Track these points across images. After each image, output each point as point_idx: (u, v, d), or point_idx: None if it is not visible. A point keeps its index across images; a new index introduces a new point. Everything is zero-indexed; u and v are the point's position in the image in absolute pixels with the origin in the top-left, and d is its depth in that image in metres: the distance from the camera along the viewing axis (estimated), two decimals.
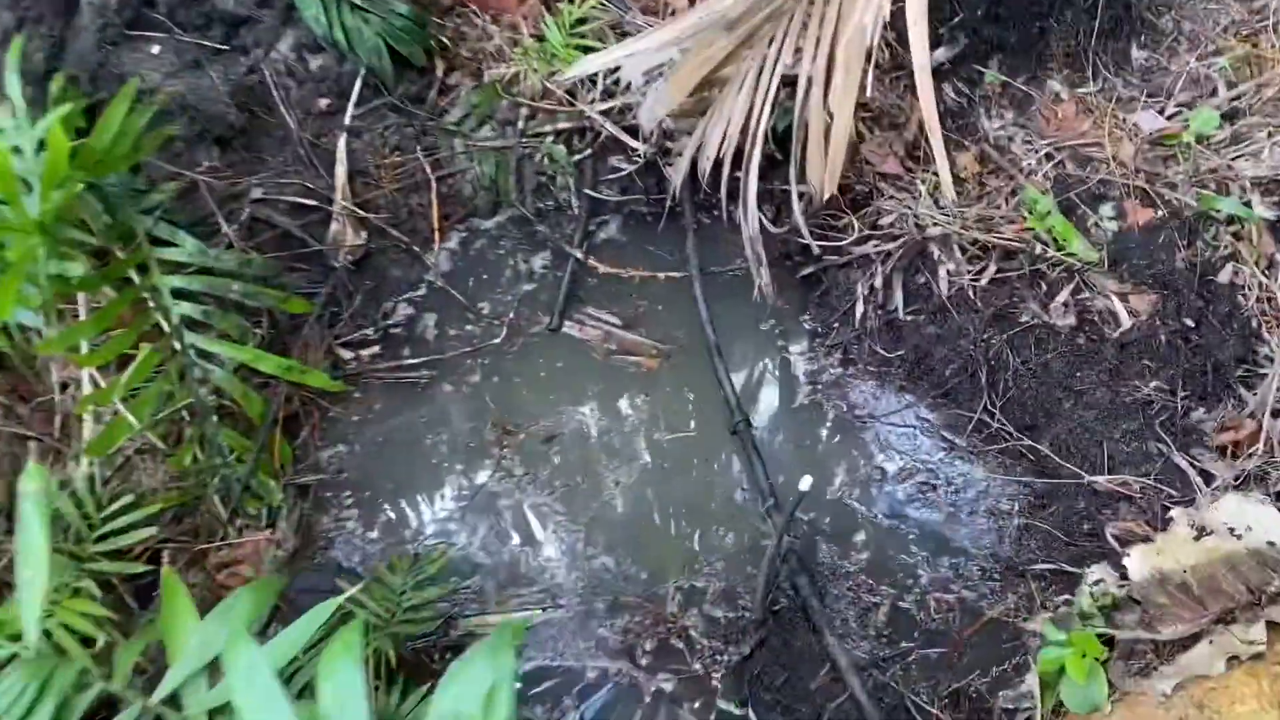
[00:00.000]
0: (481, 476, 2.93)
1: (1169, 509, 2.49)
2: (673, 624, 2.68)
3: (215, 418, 2.81)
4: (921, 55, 2.45)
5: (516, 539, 2.84)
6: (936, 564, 2.72)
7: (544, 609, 2.72)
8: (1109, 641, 2.35)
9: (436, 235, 3.26)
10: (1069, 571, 2.57)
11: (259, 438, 2.83)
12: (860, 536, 2.78)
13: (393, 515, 2.88)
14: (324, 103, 3.24)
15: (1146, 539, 2.48)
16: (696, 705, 2.58)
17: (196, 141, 3.11)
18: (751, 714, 2.55)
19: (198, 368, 2.79)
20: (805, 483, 2.01)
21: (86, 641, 2.39)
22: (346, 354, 3.11)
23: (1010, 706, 2.43)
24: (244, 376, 2.88)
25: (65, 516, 2.52)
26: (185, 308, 2.81)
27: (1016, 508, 2.76)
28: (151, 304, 2.78)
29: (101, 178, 2.64)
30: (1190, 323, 2.73)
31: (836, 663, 2.54)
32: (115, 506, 2.59)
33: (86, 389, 2.79)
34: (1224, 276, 2.79)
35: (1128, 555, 2.42)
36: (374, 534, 2.85)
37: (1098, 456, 2.68)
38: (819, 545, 2.76)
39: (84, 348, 2.75)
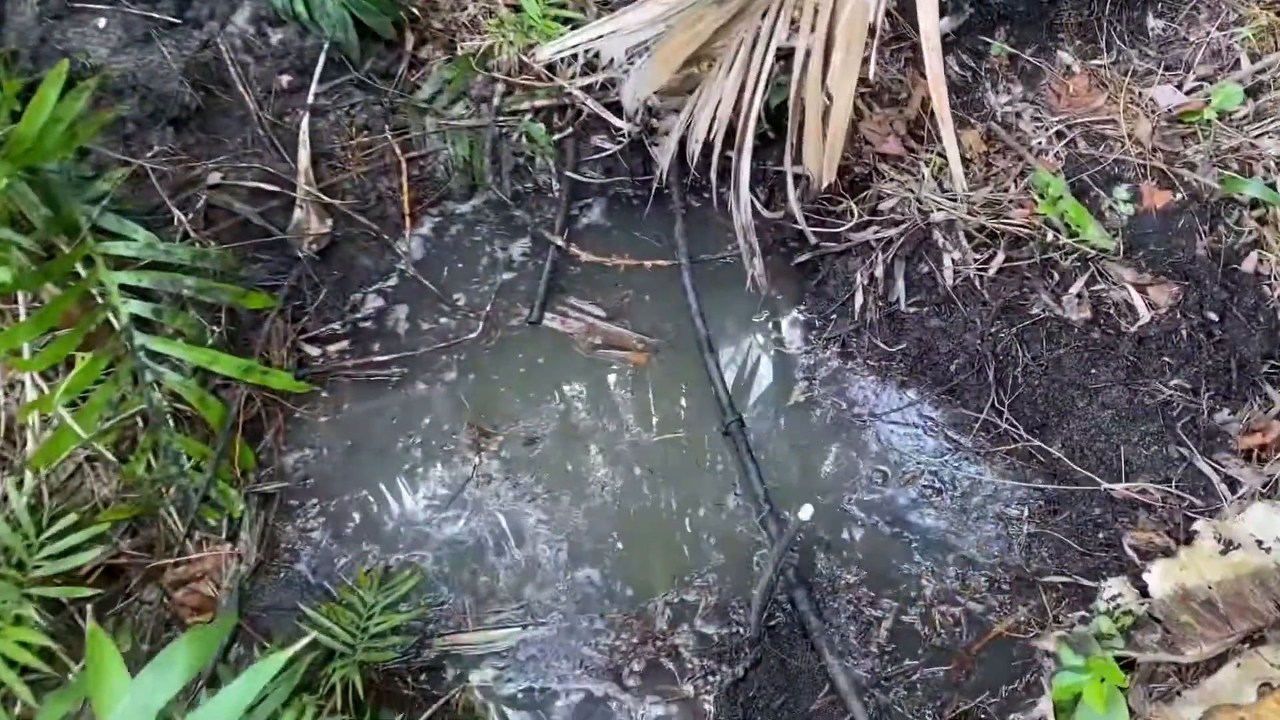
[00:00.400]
0: (457, 483, 2.75)
1: (1192, 519, 2.33)
2: (662, 642, 2.52)
3: (170, 423, 2.62)
4: (932, 33, 2.24)
5: (495, 550, 2.66)
6: (942, 574, 2.56)
7: (524, 626, 2.55)
8: (1129, 664, 2.20)
9: (407, 221, 3.06)
10: (1083, 585, 2.41)
11: (218, 444, 2.64)
12: (860, 545, 2.61)
13: (362, 525, 2.70)
14: (285, 80, 3.02)
15: (1168, 551, 2.32)
16: None
17: (147, 123, 2.89)
18: None
19: (150, 370, 2.60)
20: (806, 512, 1.84)
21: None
22: (313, 350, 2.91)
23: None
24: (202, 378, 2.69)
25: (1, 538, 2.34)
26: (135, 306, 2.61)
27: (1026, 513, 2.59)
28: (99, 302, 2.59)
29: (36, 167, 2.43)
30: (1213, 316, 2.55)
31: (836, 683, 2.38)
32: (59, 526, 2.40)
33: (31, 395, 2.60)
34: (1248, 265, 2.61)
35: (1148, 570, 2.27)
36: (342, 545, 2.67)
37: (1114, 460, 2.51)
38: (816, 555, 2.59)
39: (25, 351, 2.56)
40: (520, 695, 2.48)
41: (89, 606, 2.32)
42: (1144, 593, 2.27)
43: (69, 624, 2.50)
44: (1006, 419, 2.65)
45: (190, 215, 2.84)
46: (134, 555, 2.57)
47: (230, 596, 2.53)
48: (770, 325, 2.96)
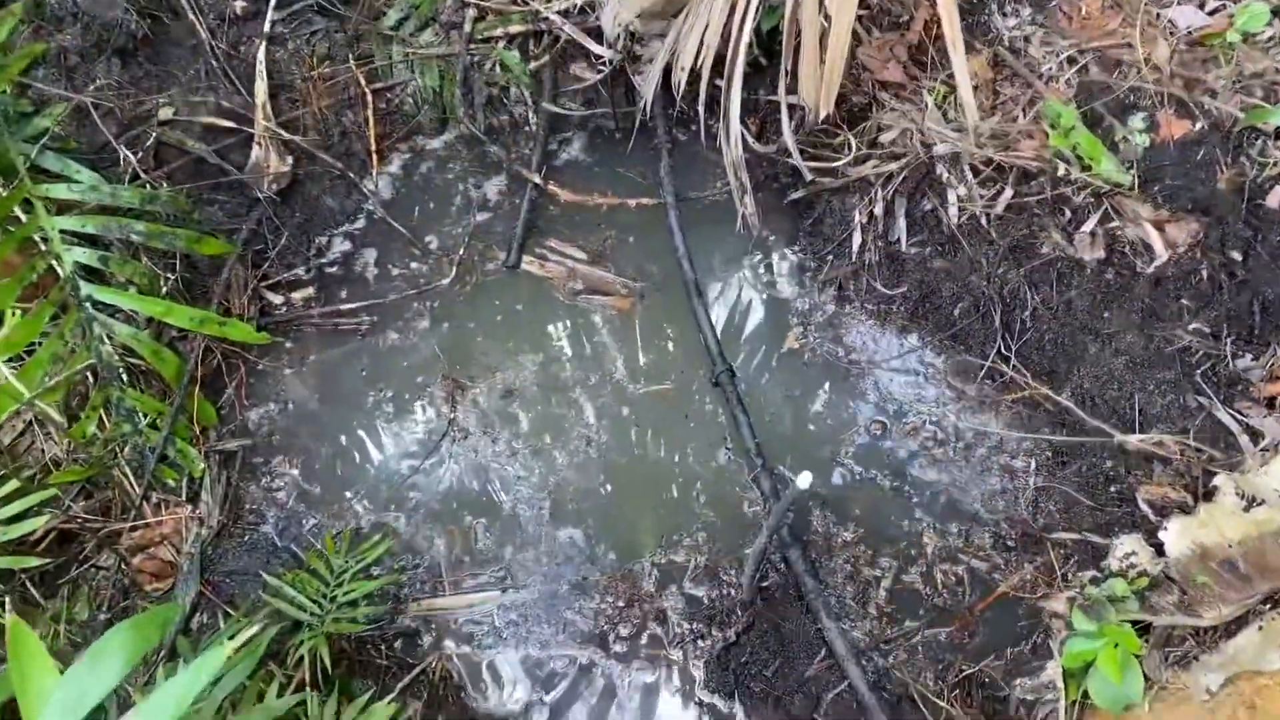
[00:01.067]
0: (432, 438, 2.59)
1: (1212, 473, 2.19)
2: (649, 605, 2.39)
3: (123, 379, 2.45)
4: None
5: (472, 510, 2.52)
6: (944, 531, 2.42)
7: (504, 590, 2.42)
8: (1144, 628, 2.07)
9: (374, 159, 2.86)
10: (1094, 542, 2.28)
11: (175, 400, 2.48)
12: (858, 501, 2.47)
13: (331, 485, 2.55)
14: (240, 6, 2.81)
15: (1185, 507, 2.19)
16: (676, 697, 2.30)
17: (91, 54, 2.68)
18: (738, 706, 2.27)
19: (98, 322, 2.42)
20: (804, 480, 1.69)
21: None
22: (275, 299, 2.74)
23: (1029, 698, 2.16)
24: (156, 330, 2.52)
25: None
26: (80, 253, 2.43)
27: (1033, 466, 2.45)
28: (40, 249, 2.40)
29: None
30: (1235, 255, 2.39)
31: (833, 647, 2.26)
32: (4, 490, 2.24)
33: None
34: (1273, 200, 2.43)
35: (1164, 528, 2.13)
36: (310, 507, 2.52)
37: (1127, 410, 2.36)
38: (812, 512, 2.45)
39: None
40: (500, 662, 2.36)
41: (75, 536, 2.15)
42: (1159, 551, 2.14)
43: (21, 594, 2.36)
44: (1013, 365, 2.49)
45: (139, 154, 2.65)
46: (88, 519, 2.42)
47: (191, 562, 2.39)
48: (762, 268, 2.79)
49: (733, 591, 2.37)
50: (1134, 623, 2.06)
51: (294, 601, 2.16)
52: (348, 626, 2.14)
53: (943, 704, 2.19)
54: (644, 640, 2.35)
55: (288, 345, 2.70)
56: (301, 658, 2.13)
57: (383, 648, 2.34)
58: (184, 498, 2.47)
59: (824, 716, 2.23)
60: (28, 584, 2.35)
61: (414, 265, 2.79)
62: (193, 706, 1.91)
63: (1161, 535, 2.13)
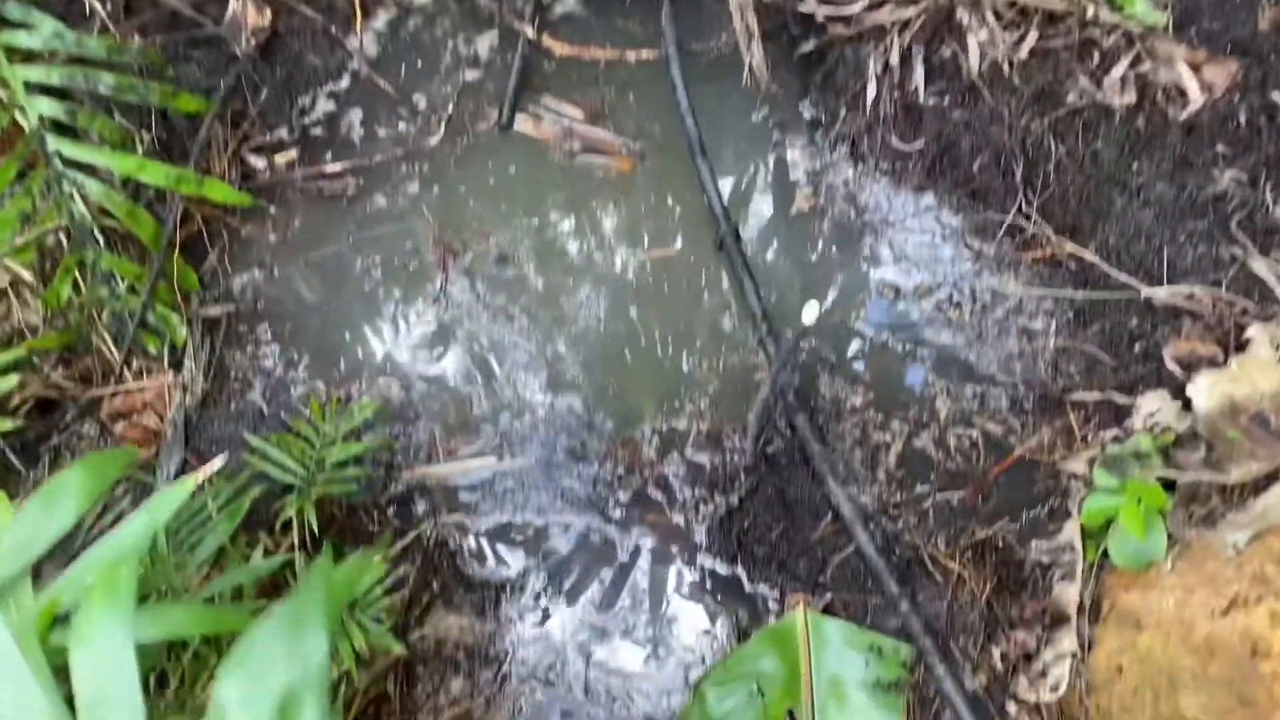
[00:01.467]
0: (423, 304, 2.48)
1: (1244, 326, 2.06)
2: (650, 472, 2.30)
3: (99, 241, 2.34)
4: None
5: (466, 378, 2.42)
6: (958, 395, 2.31)
7: (500, 457, 2.33)
8: (1168, 487, 1.97)
9: (358, 12, 2.69)
10: (1116, 402, 2.16)
11: (154, 264, 2.36)
12: (869, 365, 2.36)
13: (320, 352, 2.45)
14: None
15: (1214, 361, 2.07)
16: (678, 563, 2.23)
17: None
18: (741, 570, 2.20)
19: (67, 179, 2.30)
20: (809, 312, 1.59)
21: None
22: (258, 161, 2.60)
23: (1045, 560, 2.08)
24: (134, 191, 2.40)
25: None
26: (45, 104, 2.29)
27: (1054, 327, 2.33)
28: (2, 100, 2.27)
29: None
30: (1276, 97, 2.22)
31: (839, 511, 2.17)
32: None
33: None
34: None
35: (1192, 382, 2.02)
36: (298, 374, 2.43)
37: (1156, 264, 2.23)
38: (820, 377, 2.35)
39: None
40: (497, 529, 2.28)
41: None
42: (1186, 406, 2.03)
43: (3, 463, 2.28)
44: (1035, 221, 2.35)
45: (109, 6, 2.49)
46: (67, 387, 2.33)
47: (175, 429, 2.30)
48: (770, 124, 2.63)
49: (736, 457, 2.28)
50: (1158, 480, 1.96)
51: (279, 463, 2.08)
52: (336, 488, 2.06)
53: (954, 565, 2.11)
54: (644, 506, 2.27)
55: (272, 210, 2.58)
56: (289, 522, 2.06)
57: (375, 514, 2.27)
58: (166, 365, 2.38)
59: (829, 580, 2.16)
60: (8, 453, 2.28)
61: (402, 126, 2.65)
62: (173, 564, 1.85)
63: (1189, 390, 2.02)
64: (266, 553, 2.03)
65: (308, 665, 0.93)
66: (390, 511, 2.30)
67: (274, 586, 2.04)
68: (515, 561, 2.25)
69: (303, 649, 0.94)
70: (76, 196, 2.30)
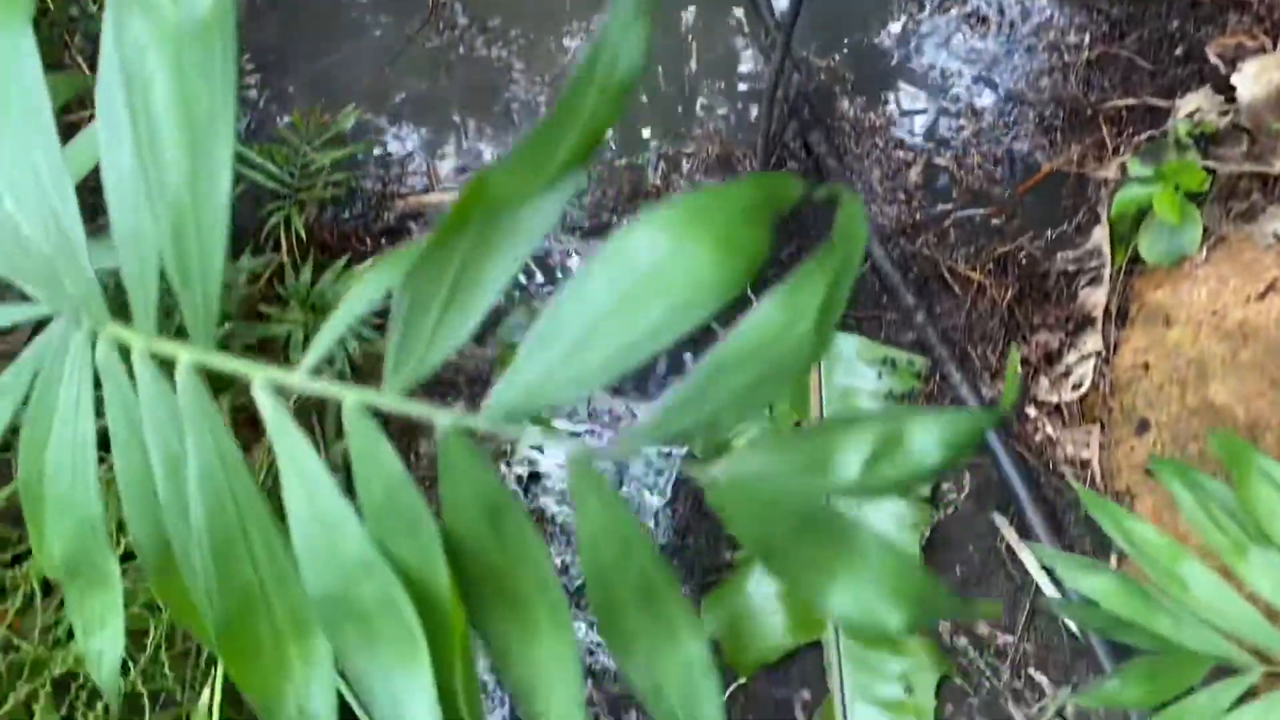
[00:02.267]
0: (414, 27, 2.33)
1: None
2: (654, 196, 2.19)
3: None
4: None
5: (460, 104, 2.29)
6: (982, 113, 2.17)
7: None
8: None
9: None
10: (1154, 105, 2.03)
11: None
12: (889, 83, 2.22)
13: (304, 78, 2.32)
14: None
15: (1263, 50, 1.92)
16: None
17: None
18: (750, 293, 2.10)
19: None
20: None
21: None
22: None
23: (1070, 268, 1.97)
24: None
25: None
26: None
27: (1087, 40, 2.17)
28: None
29: None
30: None
31: None
32: None
33: None
34: None
35: (1239, 70, 1.87)
36: (285, 104, 2.30)
37: None
38: (838, 97, 2.21)
39: None
40: None
41: None
42: (1229, 99, 1.89)
43: None
44: None
45: None
46: None
47: None
48: None
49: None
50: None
51: (259, 168, 1.97)
52: (320, 193, 1.96)
53: (975, 275, 2.01)
54: None
55: None
56: (276, 232, 1.96)
57: (368, 241, 2.18)
58: None
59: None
60: None
61: None
62: None
63: (1234, 79, 1.88)
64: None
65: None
66: (383, 241, 2.20)
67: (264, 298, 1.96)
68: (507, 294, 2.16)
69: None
70: None
